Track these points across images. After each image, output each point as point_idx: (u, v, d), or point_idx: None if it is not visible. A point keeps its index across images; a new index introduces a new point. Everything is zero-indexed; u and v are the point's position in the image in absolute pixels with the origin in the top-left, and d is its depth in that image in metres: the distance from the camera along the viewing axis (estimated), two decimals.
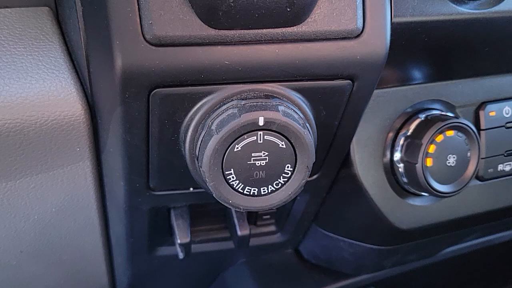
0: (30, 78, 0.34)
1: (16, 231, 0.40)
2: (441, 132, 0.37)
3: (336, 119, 0.34)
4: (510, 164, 0.43)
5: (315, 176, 0.39)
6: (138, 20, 0.27)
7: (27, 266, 0.43)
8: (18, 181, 0.36)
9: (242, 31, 0.28)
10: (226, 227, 0.45)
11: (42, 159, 0.35)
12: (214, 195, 0.30)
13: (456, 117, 0.39)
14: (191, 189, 0.36)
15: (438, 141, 0.38)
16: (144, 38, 0.28)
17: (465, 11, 0.33)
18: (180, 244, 0.41)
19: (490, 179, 0.43)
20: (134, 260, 0.45)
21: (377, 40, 0.31)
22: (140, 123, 0.31)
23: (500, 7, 0.34)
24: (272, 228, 0.47)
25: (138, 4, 0.27)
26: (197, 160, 0.30)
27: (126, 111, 0.30)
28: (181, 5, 0.27)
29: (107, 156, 0.36)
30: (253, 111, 0.29)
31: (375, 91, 0.38)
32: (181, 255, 0.43)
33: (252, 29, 0.28)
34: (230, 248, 0.45)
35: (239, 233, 0.43)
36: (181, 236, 0.41)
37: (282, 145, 0.30)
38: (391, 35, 0.32)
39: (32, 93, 0.33)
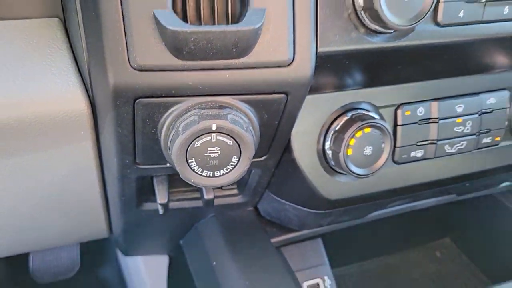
0: (46, 80, 0.44)
1: (34, 188, 0.52)
2: (360, 129, 0.49)
3: (276, 119, 0.45)
4: (420, 152, 0.54)
5: (263, 158, 0.51)
6: (126, 53, 0.38)
7: (41, 216, 0.56)
8: (38, 154, 0.47)
9: (201, 62, 0.38)
10: (197, 190, 0.58)
11: (55, 139, 0.47)
12: (180, 175, 0.42)
13: (374, 117, 0.50)
14: (167, 164, 0.48)
15: (357, 136, 0.49)
16: (130, 65, 0.38)
17: (376, 42, 0.43)
18: (160, 204, 0.54)
19: (404, 163, 0.54)
20: (126, 212, 0.58)
21: (304, 67, 0.41)
22: (127, 121, 0.42)
23: (405, 40, 0.44)
24: (235, 191, 0.60)
25: (126, 42, 0.37)
26: (169, 150, 0.41)
27: (117, 112, 0.41)
28: (157, 44, 0.37)
29: (104, 140, 0.47)
30: (209, 119, 0.40)
31: (313, 95, 0.49)
32: (161, 212, 0.55)
33: (208, 60, 0.39)
34: (200, 206, 0.58)
35: (205, 197, 0.56)
36: (160, 197, 0.54)
37: (230, 143, 0.41)
38: (319, 60, 0.42)
39: (48, 93, 0.44)
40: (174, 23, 0.36)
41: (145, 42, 0.37)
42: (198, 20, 0.39)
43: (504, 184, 0.73)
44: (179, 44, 0.36)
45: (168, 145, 0.42)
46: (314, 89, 0.46)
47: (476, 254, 0.94)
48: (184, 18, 0.38)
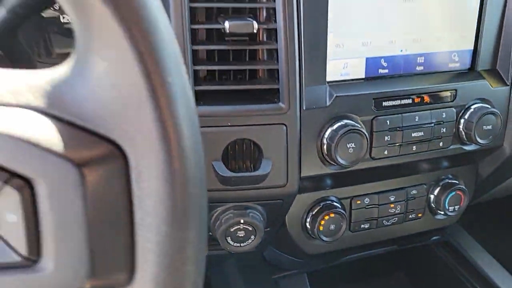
0: None
1: None
2: (327, 214, 0.80)
3: (277, 213, 0.77)
4: (367, 224, 0.86)
5: (268, 229, 0.82)
6: None
7: None
8: None
9: (237, 187, 0.70)
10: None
11: None
12: (221, 246, 0.73)
13: (337, 206, 0.81)
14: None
15: (326, 218, 0.80)
16: None
17: (333, 169, 0.75)
18: None
19: (356, 231, 0.86)
20: None
21: (293, 186, 0.73)
22: None
23: (350, 167, 0.75)
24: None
25: None
26: (215, 232, 0.72)
27: None
28: (213, 179, 0.69)
29: None
30: (239, 217, 0.71)
31: (299, 195, 0.80)
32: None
33: (240, 185, 0.70)
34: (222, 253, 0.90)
35: (232, 252, 0.88)
36: None
37: (250, 229, 0.72)
38: (302, 180, 0.74)
39: None
40: (223, 171, 0.67)
41: (208, 178, 0.68)
42: (237, 168, 0.70)
43: (434, 238, 1.05)
44: (226, 181, 0.68)
45: (215, 230, 0.73)
46: (300, 192, 0.77)
47: None
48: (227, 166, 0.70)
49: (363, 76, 0.75)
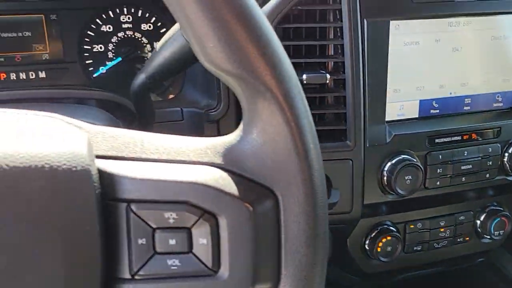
0: None
1: None
2: (384, 237, 0.90)
3: (343, 235, 0.87)
4: (420, 246, 0.95)
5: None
6: None
7: None
8: None
9: None
10: None
11: None
12: None
13: (393, 230, 0.91)
14: None
15: (383, 241, 0.90)
16: None
17: (392, 198, 0.85)
18: None
19: (410, 252, 0.95)
20: None
21: (357, 213, 0.83)
22: None
23: (406, 196, 0.86)
24: None
25: None
26: None
27: None
28: None
29: None
30: None
31: (362, 219, 0.90)
32: None
33: None
34: None
35: None
36: None
37: None
38: (364, 207, 0.85)
39: None
40: None
41: None
42: None
43: (479, 260, 1.13)
44: None
45: None
46: (363, 217, 0.88)
47: None
48: None
49: (417, 116, 0.86)
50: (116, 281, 0.37)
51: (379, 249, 0.90)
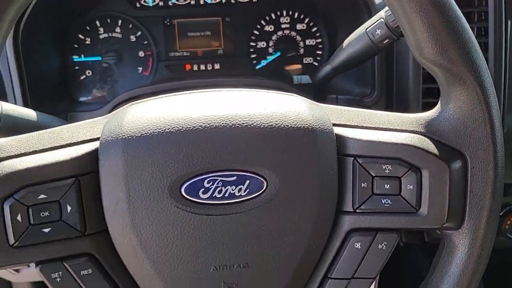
0: None
1: None
2: None
3: None
4: None
5: None
6: None
7: None
8: None
9: None
10: None
11: None
12: None
13: None
14: None
15: None
16: None
17: None
18: None
19: None
20: None
21: None
22: None
23: None
24: None
25: None
26: None
27: None
28: None
29: None
30: None
31: None
32: None
33: None
34: None
35: None
36: None
37: None
38: None
39: None
40: None
41: None
42: None
43: None
44: None
45: None
46: None
47: None
48: None
49: None
50: (341, 212, 0.53)
51: (506, 226, 0.99)
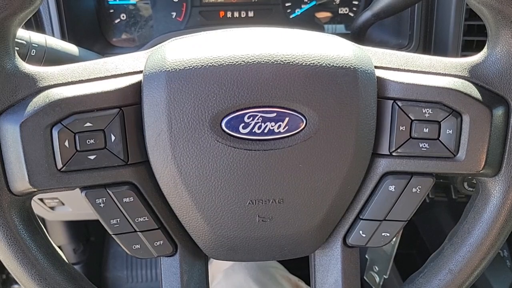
0: None
1: None
2: None
3: None
4: None
5: None
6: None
7: None
8: None
9: None
10: None
11: None
12: None
13: None
14: None
15: None
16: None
17: None
18: None
19: None
20: None
21: None
22: None
23: None
24: None
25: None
26: None
27: None
28: None
29: None
30: None
31: None
32: None
33: None
34: None
35: None
36: None
37: None
38: None
39: None
40: None
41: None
42: None
43: None
44: None
45: None
46: None
47: None
48: None
49: None
50: (377, 155, 0.53)
51: None
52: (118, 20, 1.04)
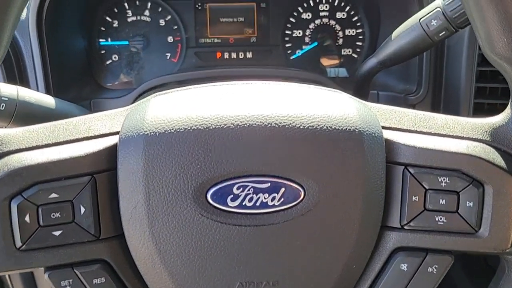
0: None
1: None
2: None
3: None
4: None
5: None
6: None
7: None
8: None
9: None
10: None
11: None
12: None
13: None
14: None
15: None
16: None
17: None
18: None
19: None
20: None
21: None
22: None
23: None
24: None
25: None
26: None
27: None
28: None
29: None
30: None
31: None
32: None
33: None
34: None
35: None
36: None
37: None
38: None
39: None
40: None
41: None
42: None
43: None
44: None
45: None
46: None
47: None
48: None
49: None
50: (387, 228, 0.47)
51: None
52: (110, 61, 0.99)
